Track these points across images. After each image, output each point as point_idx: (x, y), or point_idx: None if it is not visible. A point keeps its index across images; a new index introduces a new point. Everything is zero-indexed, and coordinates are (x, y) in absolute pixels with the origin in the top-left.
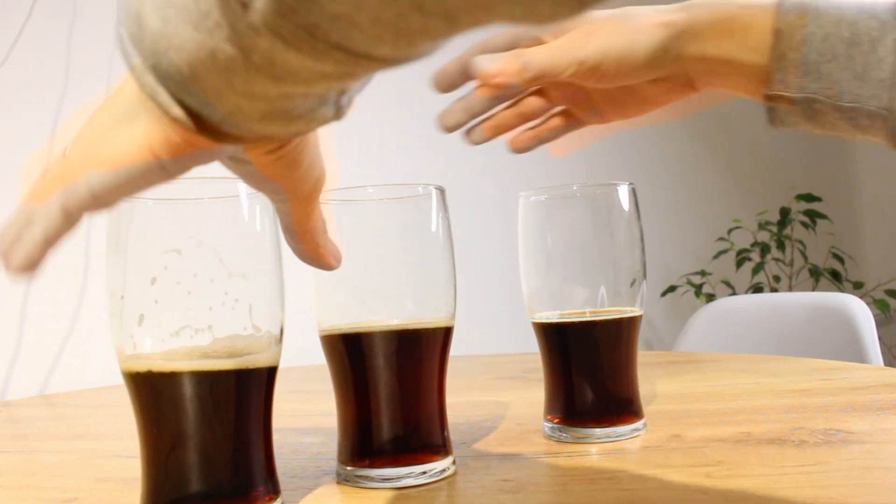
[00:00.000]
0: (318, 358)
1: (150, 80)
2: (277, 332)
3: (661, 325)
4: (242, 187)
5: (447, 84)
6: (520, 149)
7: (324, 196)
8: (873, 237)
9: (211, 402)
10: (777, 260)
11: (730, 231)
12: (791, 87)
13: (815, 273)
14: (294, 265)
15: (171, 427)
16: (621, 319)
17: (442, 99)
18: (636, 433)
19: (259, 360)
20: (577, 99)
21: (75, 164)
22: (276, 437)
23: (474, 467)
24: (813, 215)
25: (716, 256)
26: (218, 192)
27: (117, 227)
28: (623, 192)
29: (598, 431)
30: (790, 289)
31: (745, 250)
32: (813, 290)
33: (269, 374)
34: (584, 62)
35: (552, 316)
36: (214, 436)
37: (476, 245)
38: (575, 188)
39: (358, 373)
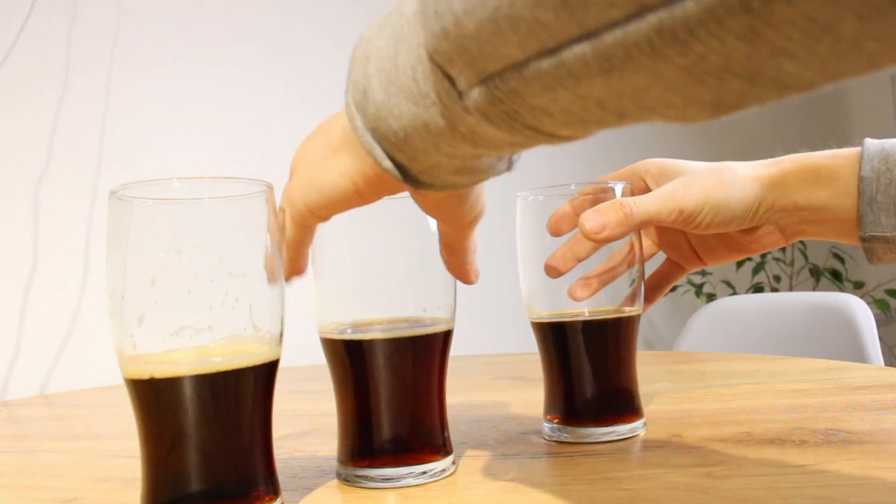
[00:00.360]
0: (318, 358)
1: (369, 138)
2: (277, 331)
3: (661, 324)
4: (242, 187)
5: (558, 230)
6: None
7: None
8: None
9: (211, 402)
10: (777, 260)
11: None
12: (885, 227)
13: (816, 273)
14: None
15: (171, 427)
16: (620, 319)
17: None
18: (636, 433)
19: (259, 360)
20: (678, 245)
21: (298, 182)
22: (276, 437)
23: (474, 467)
24: None
25: None
26: (218, 192)
27: (117, 226)
28: (619, 192)
29: (598, 431)
30: (791, 288)
31: None
32: (813, 289)
33: (269, 373)
34: (683, 211)
35: (551, 315)
36: (214, 436)
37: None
38: (573, 188)
39: (358, 373)
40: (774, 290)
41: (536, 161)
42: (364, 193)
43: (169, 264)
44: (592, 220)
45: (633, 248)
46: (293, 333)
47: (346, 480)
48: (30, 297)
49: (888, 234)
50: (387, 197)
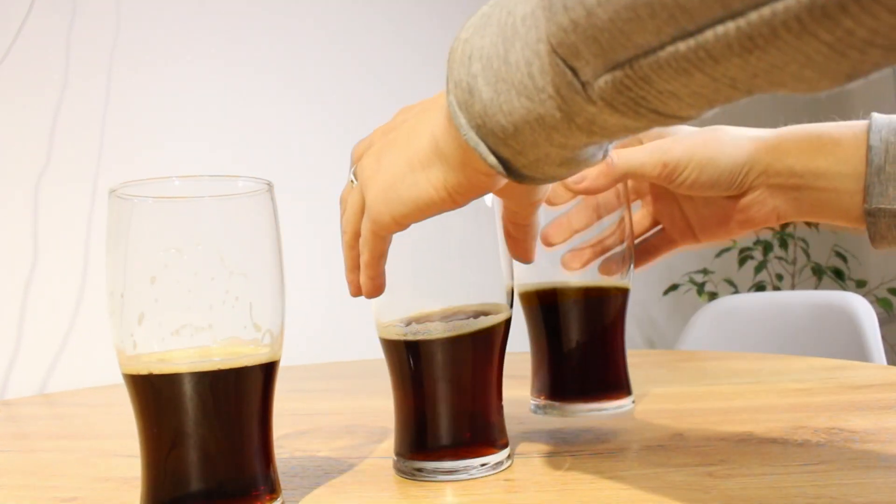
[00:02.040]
0: (319, 357)
1: (474, 136)
2: (278, 330)
3: (663, 323)
4: (243, 186)
5: (551, 199)
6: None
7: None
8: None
9: (211, 401)
10: (780, 258)
11: None
12: (893, 199)
13: (818, 271)
14: (294, 264)
15: (171, 426)
16: (608, 291)
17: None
18: (623, 409)
19: (259, 359)
20: (672, 215)
21: (381, 196)
22: (276, 437)
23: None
24: None
25: (718, 255)
26: (218, 190)
27: (117, 225)
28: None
29: (585, 407)
30: (793, 287)
31: (748, 248)
32: (816, 288)
33: (270, 372)
34: (668, 164)
35: (537, 286)
36: (214, 435)
37: None
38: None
39: (418, 371)
40: (776, 288)
41: None
42: (458, 200)
43: (169, 263)
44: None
45: (624, 221)
46: (294, 333)
47: (405, 474)
48: (29, 296)
49: (895, 208)
50: None
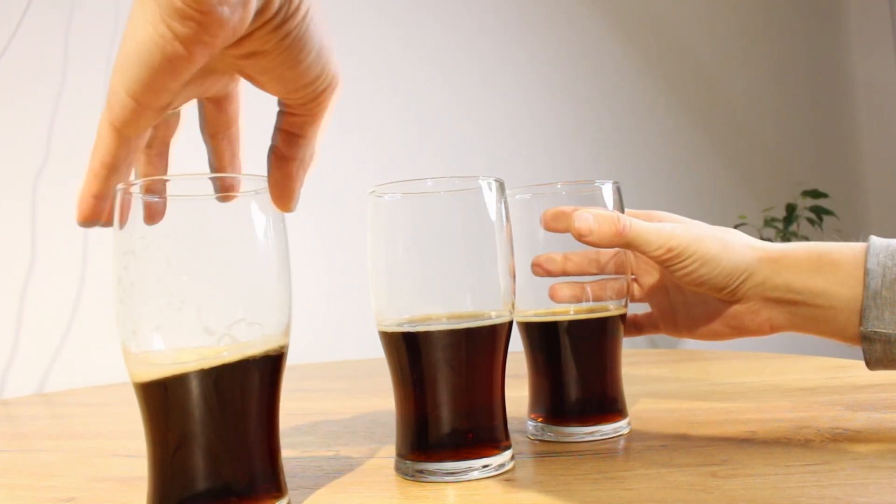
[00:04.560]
0: (319, 356)
1: None
2: (283, 328)
3: None
4: (245, 184)
5: (553, 227)
6: None
7: (383, 189)
8: (880, 234)
9: (217, 401)
10: None
11: (735, 227)
12: (889, 323)
13: None
14: (299, 263)
15: (177, 424)
16: (605, 318)
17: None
18: (620, 433)
19: (264, 356)
20: (660, 303)
21: (114, 82)
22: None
23: None
24: (819, 211)
25: None
26: (219, 189)
27: (123, 224)
28: (607, 191)
29: (582, 430)
30: None
31: None
32: None
33: (275, 369)
34: (672, 249)
35: (536, 314)
36: (220, 432)
37: None
38: (559, 186)
39: (418, 366)
40: None
41: (521, 159)
42: (183, 39)
43: (175, 262)
44: (585, 221)
45: (621, 254)
46: (295, 333)
47: (406, 474)
48: (27, 295)
49: (890, 332)
50: (444, 190)
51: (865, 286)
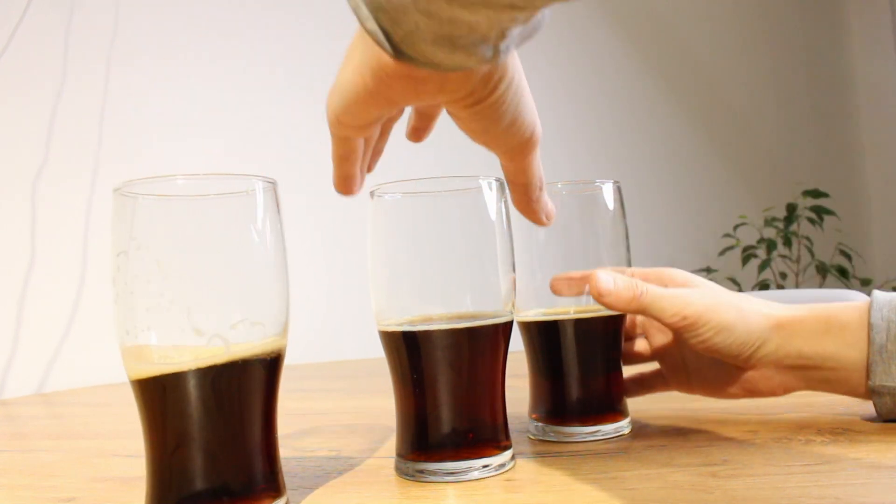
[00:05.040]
0: (319, 356)
1: (360, 2)
2: (281, 327)
3: None
4: (246, 184)
5: (562, 290)
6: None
7: (384, 188)
8: (881, 233)
9: (213, 401)
10: (784, 256)
11: (736, 227)
12: (894, 376)
13: (822, 270)
14: (299, 263)
15: (175, 422)
16: (606, 318)
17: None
18: (621, 432)
19: (263, 356)
20: (673, 363)
21: (328, 101)
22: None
23: None
24: (820, 211)
25: (721, 253)
26: (223, 188)
27: (121, 223)
28: (608, 190)
29: (583, 430)
30: (797, 286)
31: (752, 247)
32: (820, 286)
33: (273, 371)
34: (687, 318)
35: (537, 315)
36: (218, 432)
37: None
38: (559, 186)
39: (419, 366)
40: (781, 287)
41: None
42: (371, 88)
43: (172, 261)
44: (605, 283)
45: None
46: (295, 332)
47: (406, 474)
48: (27, 294)
49: None
50: (444, 190)
51: (870, 341)
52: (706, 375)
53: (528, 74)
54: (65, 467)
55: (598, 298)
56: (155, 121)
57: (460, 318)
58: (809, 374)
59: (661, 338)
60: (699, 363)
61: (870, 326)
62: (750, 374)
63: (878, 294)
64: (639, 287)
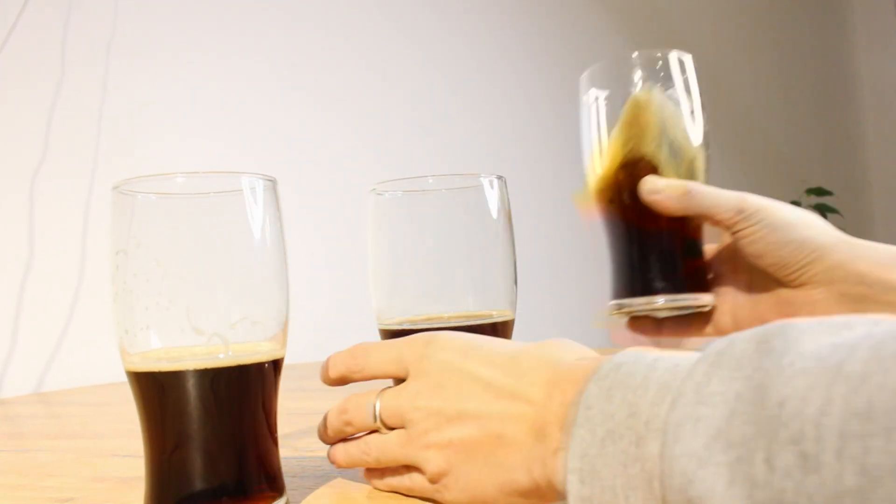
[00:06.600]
0: (319, 356)
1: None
2: (281, 327)
3: None
4: (246, 182)
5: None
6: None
7: (384, 186)
8: (884, 232)
9: (214, 400)
10: None
11: None
12: None
13: None
14: (299, 262)
15: (174, 424)
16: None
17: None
18: (699, 302)
19: (264, 356)
20: (734, 299)
21: (447, 483)
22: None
23: None
24: (824, 209)
25: None
26: (222, 187)
27: (120, 221)
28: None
29: (662, 300)
30: None
31: None
32: None
33: (273, 370)
34: (743, 210)
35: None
36: (217, 433)
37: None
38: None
39: None
40: None
41: (522, 157)
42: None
43: (171, 260)
44: (652, 184)
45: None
46: (295, 332)
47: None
48: (25, 293)
49: None
50: (444, 187)
51: None
52: (760, 309)
53: (530, 72)
54: (63, 467)
55: (649, 196)
56: (154, 119)
57: (461, 316)
58: (866, 307)
59: (725, 268)
60: (753, 301)
61: None
62: (792, 298)
63: None
64: (689, 184)
